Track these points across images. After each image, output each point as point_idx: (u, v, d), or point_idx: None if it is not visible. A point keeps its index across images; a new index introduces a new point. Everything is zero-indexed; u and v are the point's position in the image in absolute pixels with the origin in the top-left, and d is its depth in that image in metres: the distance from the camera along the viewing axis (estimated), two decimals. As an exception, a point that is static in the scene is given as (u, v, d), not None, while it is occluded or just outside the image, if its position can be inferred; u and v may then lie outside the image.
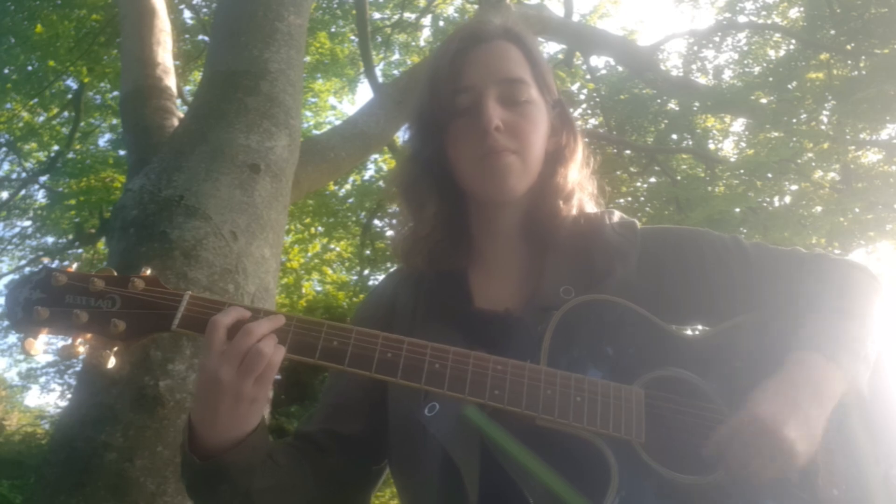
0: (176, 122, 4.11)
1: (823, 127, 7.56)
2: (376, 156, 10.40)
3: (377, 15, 10.97)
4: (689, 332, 1.27)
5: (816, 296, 1.21)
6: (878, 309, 1.21)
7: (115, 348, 1.09)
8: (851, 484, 1.09)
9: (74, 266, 1.12)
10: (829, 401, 1.07)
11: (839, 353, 1.11)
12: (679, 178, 9.15)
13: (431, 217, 1.30)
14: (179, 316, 1.09)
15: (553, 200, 1.28)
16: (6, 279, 11.86)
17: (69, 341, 1.08)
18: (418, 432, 1.14)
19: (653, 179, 9.67)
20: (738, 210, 6.69)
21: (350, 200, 10.95)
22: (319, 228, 11.31)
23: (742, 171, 7.58)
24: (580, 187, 1.33)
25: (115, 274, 1.12)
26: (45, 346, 1.10)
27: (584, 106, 9.62)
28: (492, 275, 1.32)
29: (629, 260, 1.25)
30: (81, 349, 1.08)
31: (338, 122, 9.54)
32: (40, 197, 11.79)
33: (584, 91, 9.75)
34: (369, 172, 11.08)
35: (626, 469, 1.04)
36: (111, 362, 1.09)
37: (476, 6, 9.02)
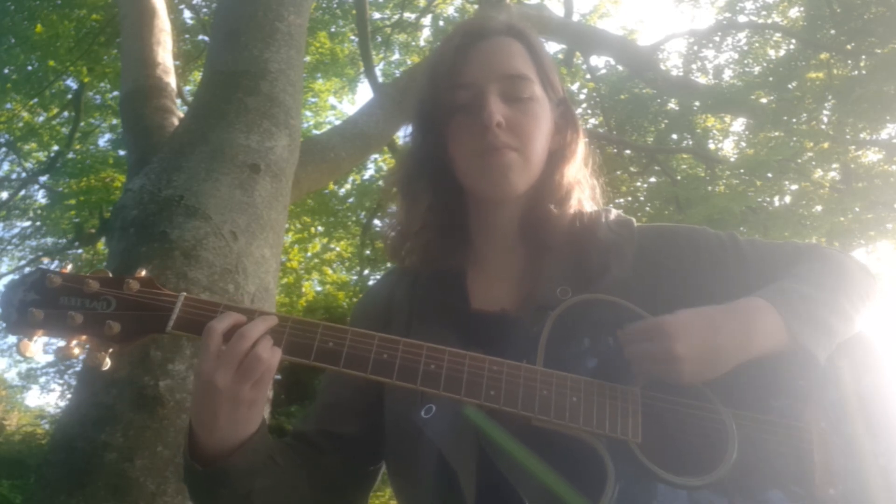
0: (176, 122, 4.11)
1: (823, 127, 7.55)
2: (376, 156, 10.41)
3: (377, 15, 10.97)
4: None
5: (797, 271, 1.22)
6: (859, 294, 1.21)
7: (111, 350, 1.09)
8: (849, 482, 1.09)
9: (69, 267, 1.11)
10: (755, 342, 1.08)
11: (788, 308, 1.11)
12: (679, 177, 9.15)
13: (424, 212, 1.29)
14: (174, 318, 1.09)
15: (552, 200, 1.27)
16: (6, 279, 11.88)
17: (65, 343, 1.08)
18: (415, 434, 1.14)
19: (653, 179, 9.67)
20: (738, 210, 6.68)
21: (350, 200, 10.95)
22: (319, 228, 11.31)
23: (742, 170, 7.58)
24: (579, 187, 1.32)
25: (110, 275, 1.12)
26: (43, 346, 1.09)
27: (584, 106, 9.62)
28: (488, 274, 1.31)
29: (625, 258, 1.24)
30: (77, 351, 1.07)
31: (338, 122, 9.53)
32: (40, 197, 11.81)
33: (584, 91, 9.75)
34: (369, 172, 11.10)
35: (622, 469, 1.03)
36: (107, 364, 1.09)
37: (476, 6, 9.02)
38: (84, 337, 1.08)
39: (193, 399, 1.08)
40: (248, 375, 1.03)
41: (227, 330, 1.05)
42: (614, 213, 1.33)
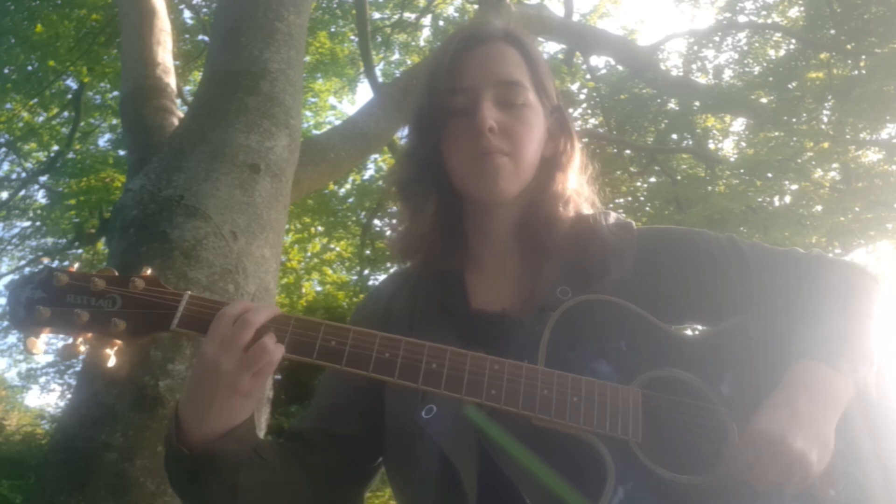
0: (176, 122, 4.11)
1: (823, 126, 7.56)
2: (376, 156, 10.41)
3: (377, 15, 10.98)
4: (687, 332, 1.27)
5: (814, 298, 1.21)
6: (877, 309, 1.21)
7: (116, 347, 1.10)
8: (850, 483, 1.09)
9: (76, 266, 1.12)
10: (833, 407, 1.07)
11: (840, 359, 1.10)
12: (679, 177, 9.15)
13: (430, 216, 1.30)
14: (179, 316, 1.10)
15: (550, 206, 1.29)
16: (6, 279, 11.88)
17: (70, 341, 1.08)
18: (416, 434, 1.14)
19: (653, 179, 9.68)
20: (738, 210, 6.69)
21: (350, 200, 10.95)
22: (319, 228, 11.31)
23: (742, 170, 7.58)
24: (576, 192, 1.34)
25: (116, 274, 1.13)
26: (45, 345, 1.10)
27: (584, 106, 9.62)
28: (488, 276, 1.32)
29: (625, 260, 1.25)
30: (82, 348, 1.08)
31: (338, 122, 9.54)
32: (40, 197, 11.83)
33: (584, 91, 9.75)
34: (369, 172, 11.10)
35: (622, 469, 1.04)
36: (112, 361, 1.10)
37: (476, 6, 9.03)
38: (90, 334, 1.09)
39: (190, 382, 1.08)
40: (252, 364, 1.04)
41: (237, 316, 1.07)
42: (613, 216, 1.35)
